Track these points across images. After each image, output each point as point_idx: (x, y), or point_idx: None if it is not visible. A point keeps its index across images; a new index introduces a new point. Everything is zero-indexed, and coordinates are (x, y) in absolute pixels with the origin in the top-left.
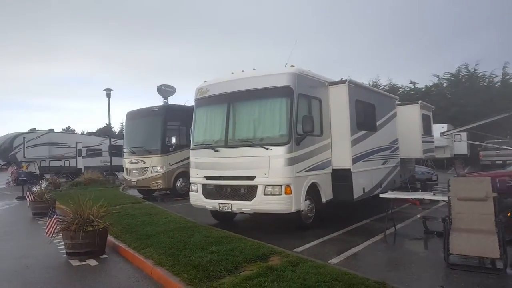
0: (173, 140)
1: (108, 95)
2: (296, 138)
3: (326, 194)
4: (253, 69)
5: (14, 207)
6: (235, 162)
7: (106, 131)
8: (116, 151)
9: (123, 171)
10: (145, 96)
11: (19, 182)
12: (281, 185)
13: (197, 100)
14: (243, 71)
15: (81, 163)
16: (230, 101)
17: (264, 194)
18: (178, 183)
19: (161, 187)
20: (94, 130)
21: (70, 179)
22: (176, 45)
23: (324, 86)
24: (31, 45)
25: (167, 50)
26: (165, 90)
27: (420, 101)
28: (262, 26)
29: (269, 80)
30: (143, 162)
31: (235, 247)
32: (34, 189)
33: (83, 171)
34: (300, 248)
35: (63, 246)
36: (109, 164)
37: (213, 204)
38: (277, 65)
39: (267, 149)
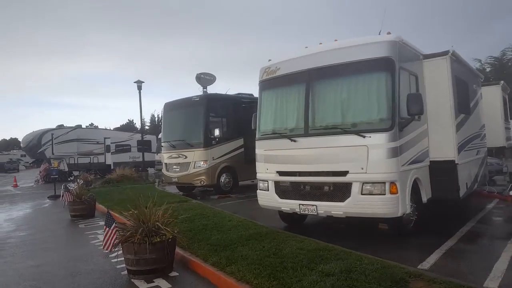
0: (216, 132)
1: (139, 88)
2: (400, 122)
3: (427, 192)
4: (335, 40)
5: (48, 207)
6: (320, 154)
7: (129, 127)
8: (146, 146)
9: (154, 167)
10: (167, 92)
11: (49, 180)
12: (384, 182)
13: (263, 81)
14: (321, 43)
15: (110, 159)
16: (309, 79)
17: (362, 194)
18: (222, 179)
19: (204, 183)
20: (117, 127)
21: (98, 176)
22: (198, 40)
23: (419, 59)
24: (52, 43)
25: (187, 47)
26: (204, 79)
27: (502, 82)
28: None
29: (362, 51)
30: (184, 157)
31: (352, 266)
32: (71, 188)
33: (112, 167)
34: (426, 264)
35: (117, 258)
36: (138, 159)
37: (291, 205)
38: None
39: (364, 137)
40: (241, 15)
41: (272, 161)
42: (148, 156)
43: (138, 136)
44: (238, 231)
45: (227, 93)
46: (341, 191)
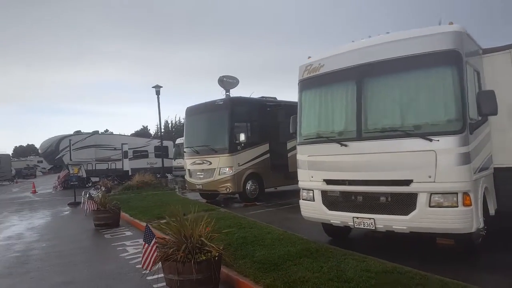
0: (241, 137)
1: (158, 92)
2: (470, 124)
3: (494, 204)
4: (387, 33)
5: (69, 215)
6: (376, 160)
7: (143, 134)
8: (163, 152)
9: (171, 173)
10: (181, 99)
11: (67, 186)
12: (456, 193)
13: (304, 80)
14: (370, 36)
15: (127, 165)
16: (360, 76)
17: (430, 206)
18: (248, 186)
19: (230, 191)
20: (132, 133)
21: (116, 182)
22: (211, 48)
23: (479, 54)
24: (66, 51)
25: (202, 53)
26: (227, 82)
27: None
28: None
29: (424, 43)
30: (208, 163)
31: None
32: (94, 195)
33: (130, 173)
34: None
35: (154, 275)
36: (155, 165)
37: (342, 218)
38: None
39: (431, 140)
40: (256, 20)
41: (317, 168)
42: (166, 162)
43: (155, 142)
44: (284, 246)
45: (251, 97)
46: (403, 203)
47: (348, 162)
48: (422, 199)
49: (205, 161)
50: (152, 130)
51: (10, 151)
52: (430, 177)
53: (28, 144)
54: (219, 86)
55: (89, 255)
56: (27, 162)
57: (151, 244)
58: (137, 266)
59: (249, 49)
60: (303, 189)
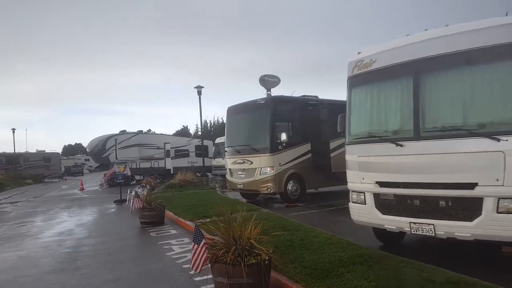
0: (283, 136)
1: (199, 93)
2: None
3: None
4: (446, 26)
5: (116, 212)
6: (436, 162)
7: (183, 133)
8: (203, 151)
9: (211, 172)
10: (219, 100)
11: (113, 184)
12: None
13: (354, 77)
14: (426, 30)
15: (169, 164)
16: (418, 71)
17: (498, 212)
18: (289, 187)
19: (271, 191)
20: (171, 133)
21: (158, 180)
22: (251, 49)
23: None
24: (113, 55)
25: (241, 55)
26: (268, 81)
27: None
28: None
29: (491, 35)
30: (250, 163)
31: None
32: (140, 193)
33: (171, 172)
34: None
35: (202, 276)
36: (195, 164)
37: (398, 223)
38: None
39: (499, 140)
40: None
41: (369, 169)
42: (205, 161)
43: (195, 142)
44: (333, 250)
45: (292, 95)
46: (467, 208)
47: (403, 163)
48: (488, 204)
49: (246, 161)
50: (192, 130)
51: (59, 150)
52: (498, 180)
53: (76, 143)
54: (259, 86)
55: (136, 253)
56: (75, 161)
57: (201, 245)
58: (183, 266)
59: (290, 48)
60: (353, 191)
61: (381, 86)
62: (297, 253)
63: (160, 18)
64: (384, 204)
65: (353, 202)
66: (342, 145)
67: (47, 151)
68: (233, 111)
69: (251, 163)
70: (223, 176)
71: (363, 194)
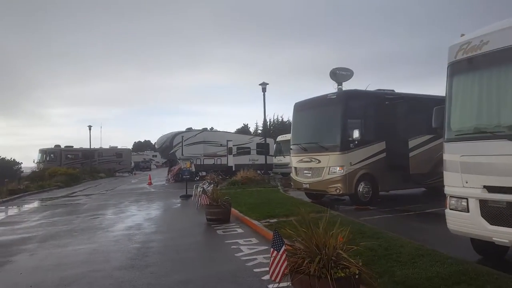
0: (355, 134)
1: (264, 90)
2: None
3: None
4: None
5: (182, 207)
6: None
7: (244, 131)
8: (263, 149)
9: (272, 170)
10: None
11: (178, 179)
12: None
13: (458, 62)
14: None
15: (231, 161)
16: None
17: None
18: (360, 188)
19: (340, 192)
20: (233, 131)
21: (220, 177)
22: (310, 47)
23: None
24: (181, 58)
25: (301, 52)
26: (340, 75)
27: None
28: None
29: None
30: (317, 161)
31: None
32: (208, 189)
33: (233, 169)
34: None
35: (275, 284)
36: (256, 162)
37: (509, 235)
38: None
39: None
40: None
41: (475, 171)
42: (267, 159)
43: (257, 139)
44: (427, 264)
45: (367, 89)
46: None
47: None
48: None
49: (313, 159)
50: (252, 128)
51: (130, 146)
52: None
53: (145, 140)
54: (320, 84)
55: (204, 252)
56: (143, 156)
57: (281, 252)
58: (255, 270)
59: (364, 41)
60: (451, 196)
61: (496, 72)
62: (385, 266)
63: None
64: (493, 213)
65: (451, 209)
66: (423, 144)
67: (119, 147)
68: (300, 107)
69: (319, 161)
70: (284, 174)
71: (465, 200)
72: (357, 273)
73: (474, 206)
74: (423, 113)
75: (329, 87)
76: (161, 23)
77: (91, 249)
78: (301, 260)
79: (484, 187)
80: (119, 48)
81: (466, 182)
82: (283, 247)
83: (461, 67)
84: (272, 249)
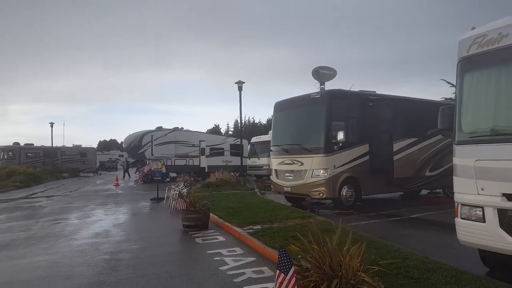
0: (340, 135)
1: (240, 88)
2: None
3: None
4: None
5: (154, 212)
6: None
7: (215, 132)
8: (239, 150)
9: (245, 172)
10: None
11: (147, 180)
12: None
13: (471, 57)
14: None
15: (204, 162)
16: None
17: None
18: (344, 192)
19: (323, 196)
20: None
21: (193, 179)
22: (284, 48)
23: None
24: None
25: (274, 54)
26: (323, 74)
27: None
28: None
29: None
30: (300, 164)
31: None
32: (184, 192)
33: (206, 170)
34: None
35: None
36: (230, 163)
37: None
38: None
39: None
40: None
41: (493, 177)
42: (237, 161)
43: (231, 140)
44: (443, 281)
45: (351, 90)
46: None
47: None
48: None
49: (295, 161)
50: (223, 129)
51: (95, 145)
52: None
53: (111, 139)
54: (294, 87)
55: (184, 265)
56: (109, 156)
57: (289, 275)
58: None
59: (347, 44)
60: (463, 204)
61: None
62: (396, 284)
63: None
64: None
65: (463, 219)
66: (408, 147)
67: (84, 146)
68: (281, 107)
69: (302, 164)
70: (258, 176)
71: (480, 209)
72: None
73: (491, 215)
74: (407, 115)
75: (303, 90)
76: (129, 18)
77: (51, 262)
78: (313, 284)
79: (504, 194)
80: (85, 43)
81: (482, 189)
82: (292, 269)
83: (475, 62)
84: (278, 272)
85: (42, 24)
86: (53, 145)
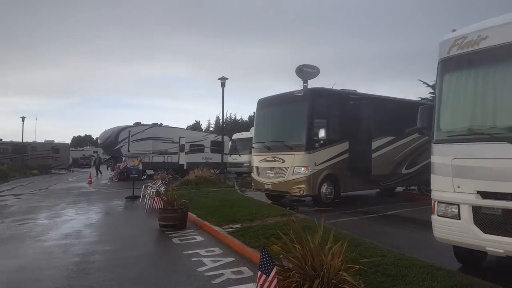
0: (321, 133)
1: (223, 84)
2: None
3: None
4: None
5: (128, 210)
6: None
7: (195, 128)
8: (219, 147)
9: (226, 169)
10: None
11: (122, 178)
12: None
13: (451, 58)
14: None
15: (183, 159)
16: None
17: None
18: (323, 189)
19: (304, 193)
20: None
21: (171, 176)
22: (267, 46)
23: None
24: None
25: (257, 51)
26: (306, 72)
27: None
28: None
29: None
30: (281, 161)
31: None
32: (161, 190)
33: (185, 167)
34: None
35: None
36: (210, 160)
37: (508, 245)
38: None
39: None
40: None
41: (469, 175)
42: (218, 158)
43: (211, 137)
44: (419, 277)
45: (333, 88)
46: None
47: None
48: None
49: (277, 159)
50: (204, 125)
51: (68, 141)
52: None
53: (85, 135)
54: (274, 84)
55: (159, 267)
56: (83, 152)
57: (271, 276)
58: None
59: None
60: (440, 202)
61: (495, 70)
62: (375, 282)
63: (181, 11)
64: (487, 221)
65: (439, 216)
66: (385, 145)
67: (56, 141)
68: (264, 104)
69: (283, 161)
70: (238, 174)
71: (456, 206)
72: None
73: (466, 213)
74: (386, 114)
75: (286, 87)
76: (108, 9)
77: (17, 266)
78: (295, 285)
79: (478, 192)
80: (59, 34)
81: (458, 187)
82: (274, 270)
83: (455, 64)
84: (260, 273)
85: (16, 15)
86: (24, 140)
